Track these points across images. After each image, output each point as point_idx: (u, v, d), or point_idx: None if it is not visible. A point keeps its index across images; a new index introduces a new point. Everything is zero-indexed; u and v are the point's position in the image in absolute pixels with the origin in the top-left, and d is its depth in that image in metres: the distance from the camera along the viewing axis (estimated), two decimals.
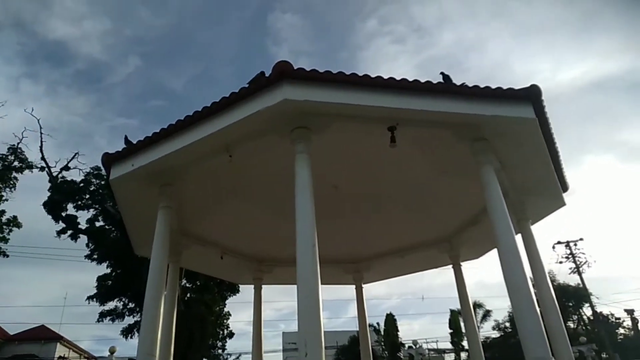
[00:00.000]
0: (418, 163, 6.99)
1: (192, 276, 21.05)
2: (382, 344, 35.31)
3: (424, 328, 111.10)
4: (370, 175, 7.45)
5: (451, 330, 35.63)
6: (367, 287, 11.12)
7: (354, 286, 10.93)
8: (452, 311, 35.01)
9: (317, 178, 5.12)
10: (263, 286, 10.18)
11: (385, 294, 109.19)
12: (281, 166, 5.57)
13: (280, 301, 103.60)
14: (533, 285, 5.99)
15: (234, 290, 22.71)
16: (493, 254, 7.91)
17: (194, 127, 5.56)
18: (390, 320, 36.75)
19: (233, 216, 8.19)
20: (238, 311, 33.10)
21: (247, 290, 12.95)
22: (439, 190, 7.78)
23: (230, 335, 24.86)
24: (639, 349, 37.39)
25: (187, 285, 21.99)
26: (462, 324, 22.72)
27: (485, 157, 5.74)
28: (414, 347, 17.99)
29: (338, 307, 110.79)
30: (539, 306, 5.34)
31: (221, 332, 24.47)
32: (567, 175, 7.17)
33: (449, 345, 36.36)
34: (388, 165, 7.07)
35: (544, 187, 7.10)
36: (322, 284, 4.57)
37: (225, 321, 24.63)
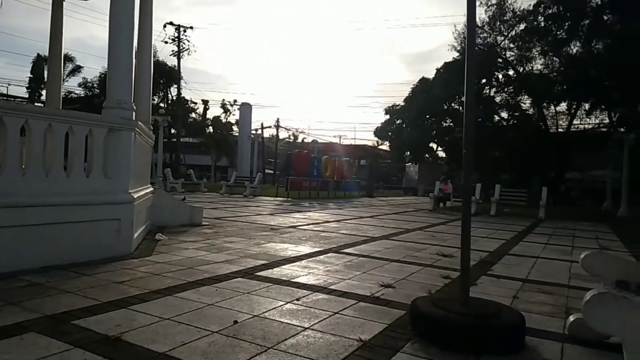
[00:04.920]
0: None
1: None
2: None
3: None
4: None
5: (31, 76, 32.32)
6: None
7: None
8: (38, 56, 31.38)
9: None
10: None
11: None
12: None
13: None
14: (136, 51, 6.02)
15: None
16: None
17: None
18: None
19: None
20: None
21: None
22: None
23: None
24: (201, 130, 46.66)
25: None
26: (45, 73, 20.71)
27: None
28: None
29: None
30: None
31: None
32: None
33: (25, 94, 33.03)
34: None
35: None
36: None
37: None
